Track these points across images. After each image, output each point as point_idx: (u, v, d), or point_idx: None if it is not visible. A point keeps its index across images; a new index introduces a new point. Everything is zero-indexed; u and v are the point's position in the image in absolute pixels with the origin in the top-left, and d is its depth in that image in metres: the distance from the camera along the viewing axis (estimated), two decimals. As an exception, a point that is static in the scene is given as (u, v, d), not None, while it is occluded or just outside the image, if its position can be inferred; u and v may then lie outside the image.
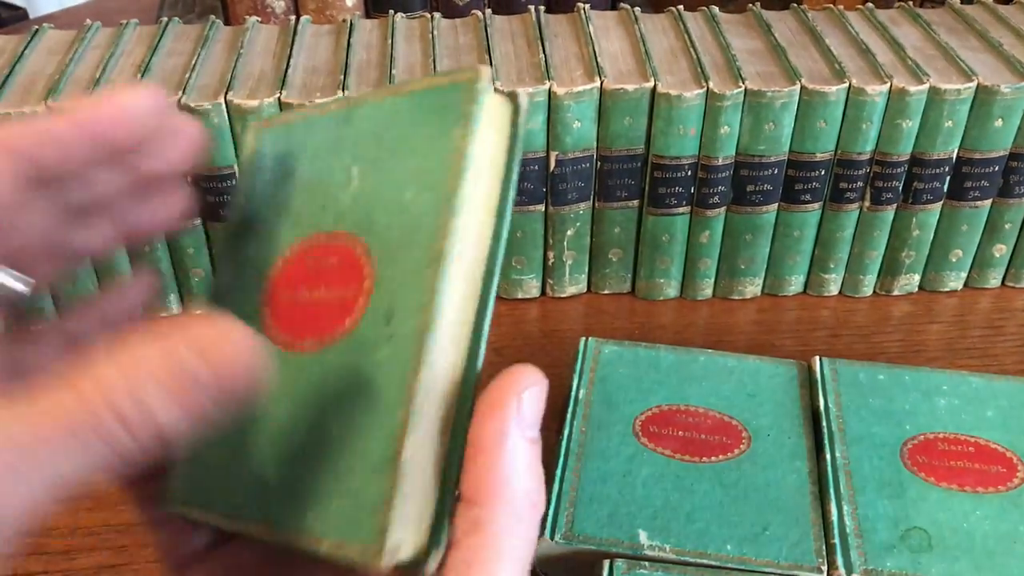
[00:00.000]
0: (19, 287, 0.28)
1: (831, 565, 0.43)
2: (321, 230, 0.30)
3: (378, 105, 0.31)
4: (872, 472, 0.47)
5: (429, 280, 0.26)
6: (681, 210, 0.60)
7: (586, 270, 0.64)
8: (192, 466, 0.31)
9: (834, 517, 0.45)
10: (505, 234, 0.27)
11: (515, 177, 0.27)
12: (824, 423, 0.49)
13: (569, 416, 0.50)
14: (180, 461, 0.31)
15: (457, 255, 0.26)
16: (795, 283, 0.65)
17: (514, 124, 0.27)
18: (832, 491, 0.46)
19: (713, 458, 0.48)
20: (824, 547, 0.44)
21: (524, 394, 0.26)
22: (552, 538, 0.44)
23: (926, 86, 0.57)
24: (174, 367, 0.22)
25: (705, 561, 0.43)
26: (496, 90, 0.28)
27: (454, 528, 0.25)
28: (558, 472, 0.47)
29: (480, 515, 0.25)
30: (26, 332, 0.30)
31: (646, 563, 0.43)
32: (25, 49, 0.59)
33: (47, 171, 0.27)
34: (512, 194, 0.27)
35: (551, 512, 0.45)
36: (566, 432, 0.49)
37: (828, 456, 0.48)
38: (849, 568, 0.43)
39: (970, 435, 0.49)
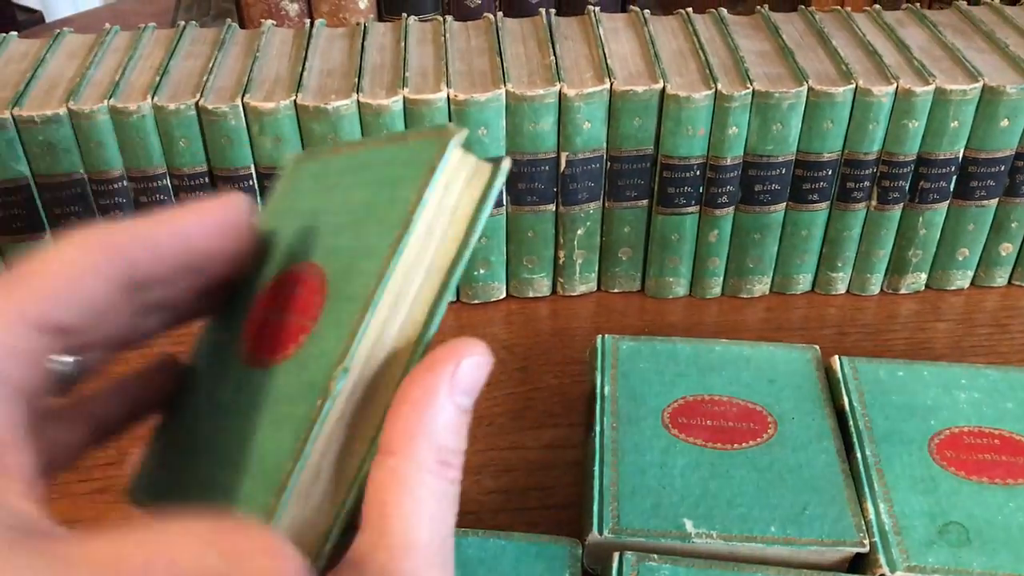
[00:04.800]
0: (67, 361, 0.29)
1: (874, 563, 0.44)
2: (299, 260, 0.32)
3: (379, 151, 0.33)
4: (903, 469, 0.48)
5: (357, 314, 0.27)
6: (690, 209, 0.61)
7: (596, 269, 0.65)
8: (152, 464, 0.33)
9: (872, 516, 0.46)
10: (454, 282, 0.28)
11: (479, 227, 0.28)
12: (851, 422, 0.50)
13: (598, 413, 0.51)
14: (143, 460, 0.33)
15: (388, 293, 0.27)
16: (803, 282, 0.66)
17: (491, 182, 0.29)
18: (867, 489, 0.47)
19: (744, 444, 0.49)
20: (863, 522, 0.45)
21: (463, 361, 0.27)
22: (601, 533, 0.45)
23: (932, 87, 0.57)
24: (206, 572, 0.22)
25: (752, 544, 0.44)
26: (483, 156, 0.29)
27: (371, 480, 0.26)
28: (596, 468, 0.48)
29: (392, 464, 0.26)
30: (58, 409, 0.31)
31: (655, 555, 0.44)
32: (46, 53, 0.60)
33: (140, 277, 0.28)
34: (471, 245, 0.28)
35: (596, 507, 0.46)
36: (597, 429, 0.50)
37: (858, 455, 0.49)
38: (892, 566, 0.44)
39: (994, 428, 0.50)
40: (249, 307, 0.32)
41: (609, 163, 0.60)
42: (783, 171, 0.60)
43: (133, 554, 0.21)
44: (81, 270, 0.26)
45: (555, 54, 0.59)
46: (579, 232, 0.63)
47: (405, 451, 0.26)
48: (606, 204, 0.62)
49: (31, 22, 1.08)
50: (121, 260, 0.27)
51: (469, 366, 0.27)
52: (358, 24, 0.64)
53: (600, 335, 0.56)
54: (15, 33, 0.63)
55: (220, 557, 0.22)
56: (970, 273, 0.66)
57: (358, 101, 0.56)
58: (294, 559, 0.23)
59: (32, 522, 0.23)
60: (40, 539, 0.22)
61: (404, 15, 0.65)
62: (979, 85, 0.58)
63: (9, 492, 0.23)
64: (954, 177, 0.61)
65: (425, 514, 0.25)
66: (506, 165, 0.28)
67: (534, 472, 0.53)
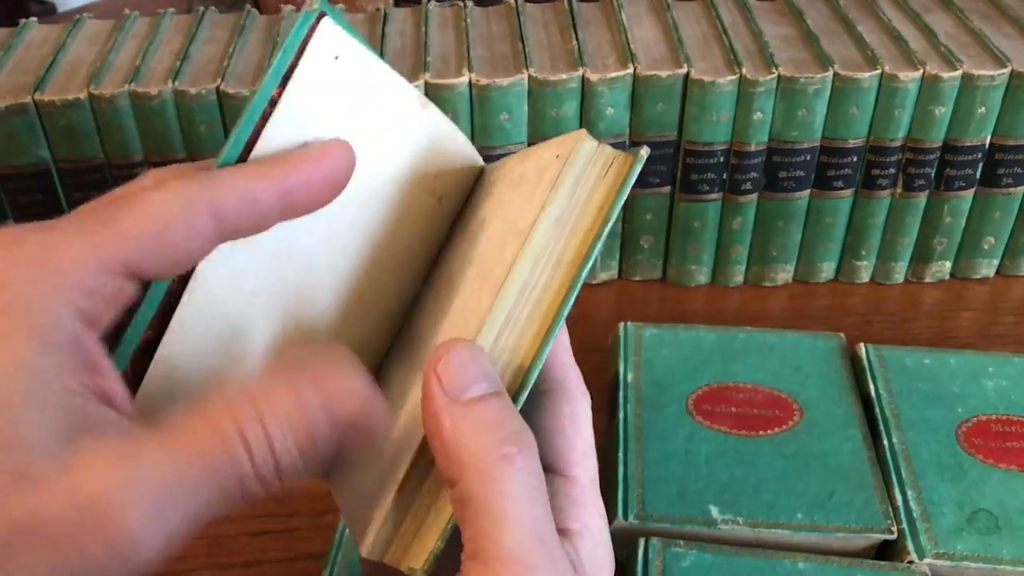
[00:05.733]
0: None
1: (902, 550, 0.44)
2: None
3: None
4: (931, 456, 0.47)
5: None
6: (713, 196, 0.61)
7: (617, 257, 0.65)
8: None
9: (899, 503, 0.45)
10: (586, 272, 0.28)
11: (613, 217, 0.28)
12: (877, 409, 0.50)
13: (621, 400, 0.50)
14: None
15: (514, 284, 0.28)
16: (827, 270, 0.65)
17: (627, 173, 0.28)
18: (894, 477, 0.46)
19: (769, 431, 0.49)
20: (890, 509, 0.45)
21: (438, 369, 0.26)
22: (626, 519, 0.44)
23: (959, 72, 0.57)
24: (303, 419, 0.24)
25: (779, 531, 0.44)
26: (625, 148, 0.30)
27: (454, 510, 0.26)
28: (620, 455, 0.47)
29: (458, 493, 0.26)
30: None
31: (680, 541, 0.43)
32: (67, 38, 0.60)
33: (231, 229, 0.27)
34: (604, 235, 0.28)
35: (621, 493, 0.46)
36: (621, 416, 0.49)
37: (885, 442, 0.48)
38: (921, 553, 0.43)
39: (1022, 415, 0.49)
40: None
41: (631, 149, 0.59)
42: (807, 157, 0.59)
43: (222, 419, 0.24)
44: (171, 219, 0.25)
45: (577, 39, 0.59)
46: (600, 219, 0.62)
47: (456, 476, 0.26)
48: (628, 191, 0.61)
49: (43, 13, 1.08)
50: (215, 213, 0.26)
51: (446, 366, 0.26)
52: (378, 10, 0.64)
53: (623, 322, 0.55)
54: (35, 19, 0.63)
55: (318, 404, 0.24)
56: (995, 262, 0.65)
57: (379, 86, 0.55)
58: (366, 379, 0.26)
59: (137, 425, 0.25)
60: (148, 425, 0.24)
61: (424, 0, 0.64)
62: (1007, 71, 0.57)
63: (111, 412, 0.25)
64: (980, 164, 0.60)
65: (507, 522, 0.25)
66: (644, 154, 0.28)
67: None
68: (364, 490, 0.30)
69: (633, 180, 0.28)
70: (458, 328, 0.29)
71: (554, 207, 0.28)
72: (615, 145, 0.58)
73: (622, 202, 0.28)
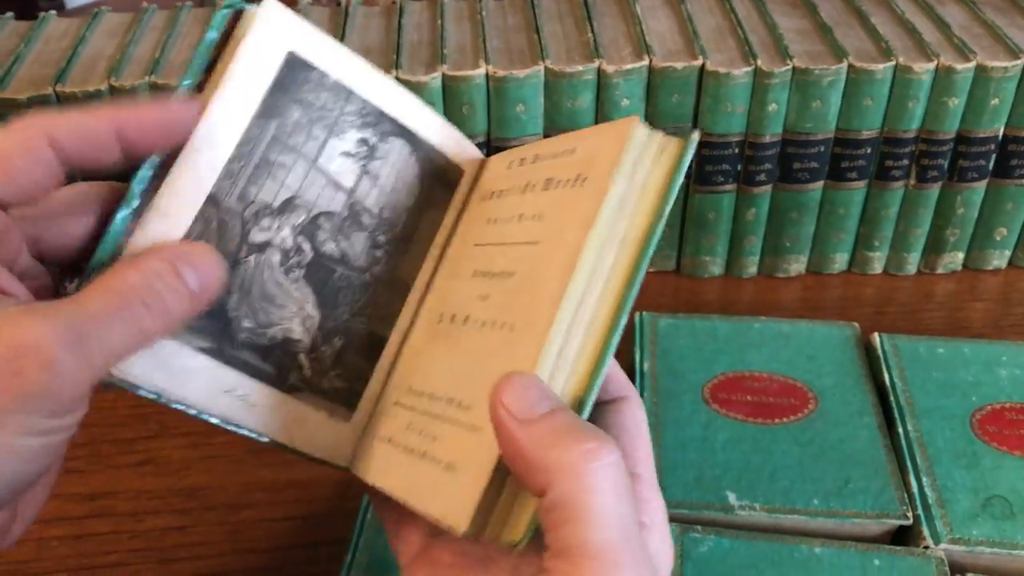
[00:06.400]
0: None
1: (918, 536, 0.44)
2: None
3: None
4: (945, 444, 0.48)
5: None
6: (728, 187, 0.61)
7: (631, 248, 0.65)
8: None
9: (915, 489, 0.46)
10: (650, 254, 0.29)
11: (671, 199, 0.29)
12: (892, 398, 0.50)
13: (638, 389, 0.51)
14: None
15: (582, 273, 0.28)
16: (840, 261, 0.65)
17: (682, 155, 0.29)
18: (909, 463, 0.47)
19: (785, 419, 0.49)
20: (906, 495, 0.45)
21: (504, 400, 0.27)
22: None
23: (973, 64, 0.57)
24: (178, 278, 0.29)
25: (796, 516, 0.45)
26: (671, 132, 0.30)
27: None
28: None
29: (548, 502, 0.26)
30: None
31: (698, 527, 0.44)
32: (86, 31, 0.61)
33: (73, 160, 0.30)
34: (664, 217, 0.29)
35: None
36: None
37: (900, 430, 0.49)
38: (936, 538, 0.44)
39: None
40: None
41: (646, 141, 0.60)
42: (822, 149, 0.59)
43: (132, 269, 0.28)
44: (11, 146, 0.29)
45: (593, 31, 0.59)
46: (615, 210, 0.62)
47: (545, 484, 0.26)
48: (642, 182, 0.62)
49: (52, 8, 1.08)
50: (51, 138, 0.29)
51: (509, 394, 0.27)
52: (394, 3, 0.64)
53: (638, 312, 0.56)
54: (55, 12, 0.64)
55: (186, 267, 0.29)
56: (1007, 253, 0.66)
57: (397, 78, 0.56)
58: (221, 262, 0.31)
59: None
60: None
61: (440, -7, 0.65)
62: (1020, 62, 0.57)
63: (8, 298, 0.28)
64: (993, 155, 0.61)
65: (594, 518, 0.25)
66: (695, 137, 0.29)
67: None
68: (434, 475, 0.30)
69: (688, 160, 0.29)
70: (529, 315, 0.29)
71: (615, 191, 0.28)
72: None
73: (679, 182, 0.28)
